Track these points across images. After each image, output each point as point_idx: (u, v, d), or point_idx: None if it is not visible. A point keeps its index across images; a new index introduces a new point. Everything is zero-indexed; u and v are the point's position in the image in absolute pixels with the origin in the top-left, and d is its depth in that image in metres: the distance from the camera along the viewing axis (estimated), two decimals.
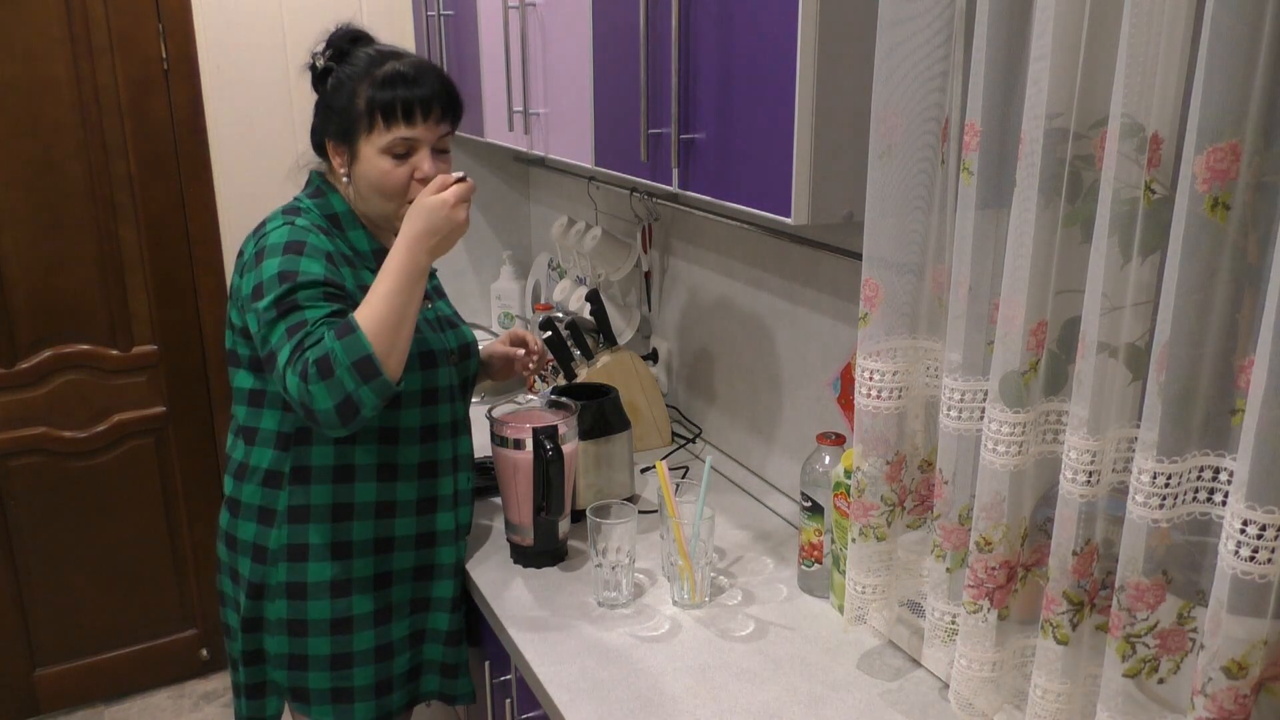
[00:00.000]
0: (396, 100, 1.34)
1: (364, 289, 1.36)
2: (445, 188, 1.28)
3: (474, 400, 2.27)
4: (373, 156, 1.36)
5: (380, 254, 1.42)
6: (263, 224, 1.40)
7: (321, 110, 1.42)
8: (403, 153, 1.37)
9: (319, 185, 1.45)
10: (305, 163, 1.50)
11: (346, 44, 1.41)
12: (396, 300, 1.24)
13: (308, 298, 1.28)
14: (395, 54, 1.40)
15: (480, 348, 1.70)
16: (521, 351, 1.69)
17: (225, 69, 2.47)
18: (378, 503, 1.43)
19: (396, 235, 1.48)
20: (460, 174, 1.30)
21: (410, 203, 1.39)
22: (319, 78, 1.42)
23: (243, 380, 1.42)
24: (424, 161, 1.38)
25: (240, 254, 1.39)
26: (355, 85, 1.36)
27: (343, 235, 1.42)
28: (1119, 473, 1.00)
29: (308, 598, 1.43)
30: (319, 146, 1.45)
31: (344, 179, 1.41)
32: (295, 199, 1.45)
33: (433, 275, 1.60)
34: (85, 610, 2.64)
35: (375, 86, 1.34)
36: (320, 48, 1.42)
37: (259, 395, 1.41)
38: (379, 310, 1.23)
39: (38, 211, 2.37)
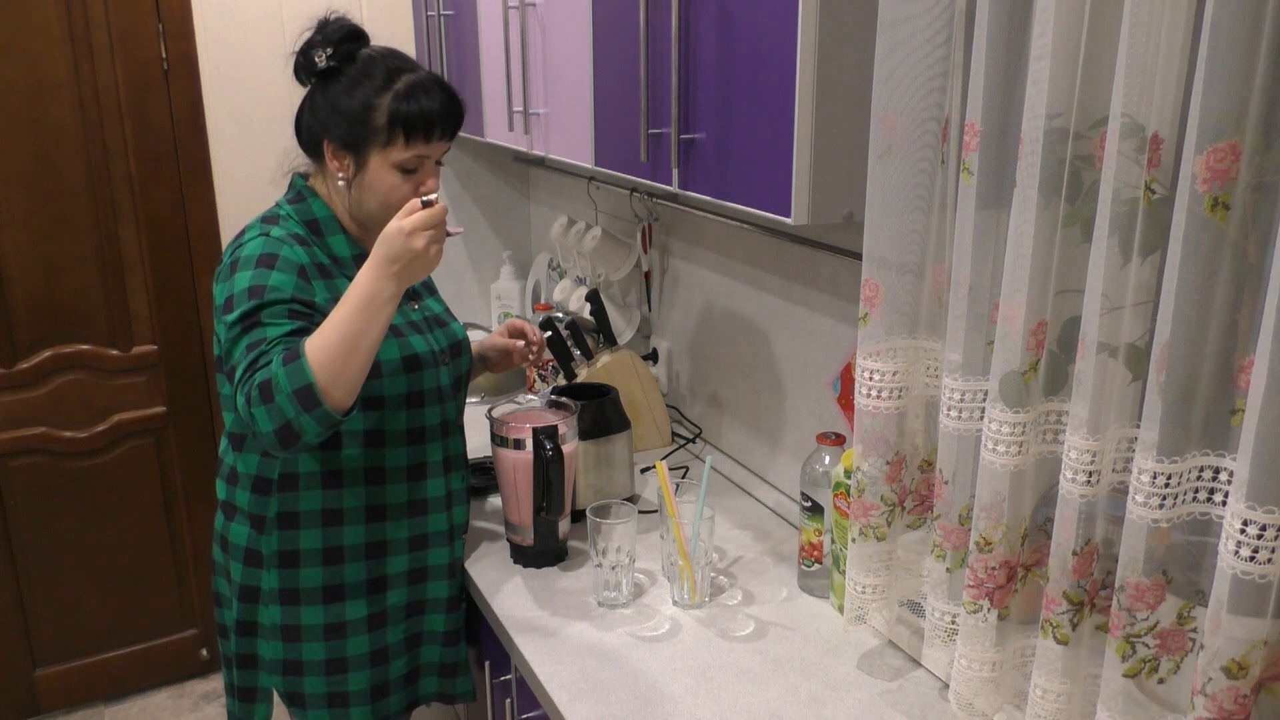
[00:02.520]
0: (420, 118, 1.33)
1: (338, 300, 1.35)
2: (411, 213, 1.23)
3: (474, 400, 2.28)
4: (383, 169, 1.35)
5: (361, 259, 1.40)
6: (241, 233, 1.39)
7: (324, 112, 1.37)
8: (413, 168, 1.36)
9: (300, 190, 1.43)
10: (290, 166, 1.48)
11: (350, 43, 1.38)
12: (350, 327, 1.20)
13: (271, 315, 1.27)
14: (405, 63, 1.37)
15: (477, 340, 1.69)
16: (521, 343, 1.68)
17: (225, 69, 2.47)
18: (367, 507, 1.43)
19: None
20: (430, 196, 1.25)
21: None
22: (317, 75, 1.38)
23: (230, 387, 1.42)
24: (429, 177, 1.38)
25: (221, 262, 1.38)
26: (372, 96, 1.33)
27: (322, 241, 1.40)
28: (1119, 473, 1.00)
29: (301, 603, 1.43)
30: (312, 145, 1.42)
31: (339, 183, 1.39)
32: (275, 204, 1.44)
33: None
34: (85, 610, 2.64)
35: (398, 100, 1.32)
36: (312, 37, 1.37)
37: None
38: (329, 338, 1.19)
39: (38, 211, 2.37)
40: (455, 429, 1.53)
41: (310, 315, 1.30)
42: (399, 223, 1.21)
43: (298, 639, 1.44)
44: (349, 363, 1.20)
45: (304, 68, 1.39)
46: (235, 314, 1.27)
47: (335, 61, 1.36)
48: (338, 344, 1.19)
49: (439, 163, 1.41)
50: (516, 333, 1.70)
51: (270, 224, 1.38)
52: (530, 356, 1.69)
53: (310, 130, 1.41)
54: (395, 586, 1.48)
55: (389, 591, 1.47)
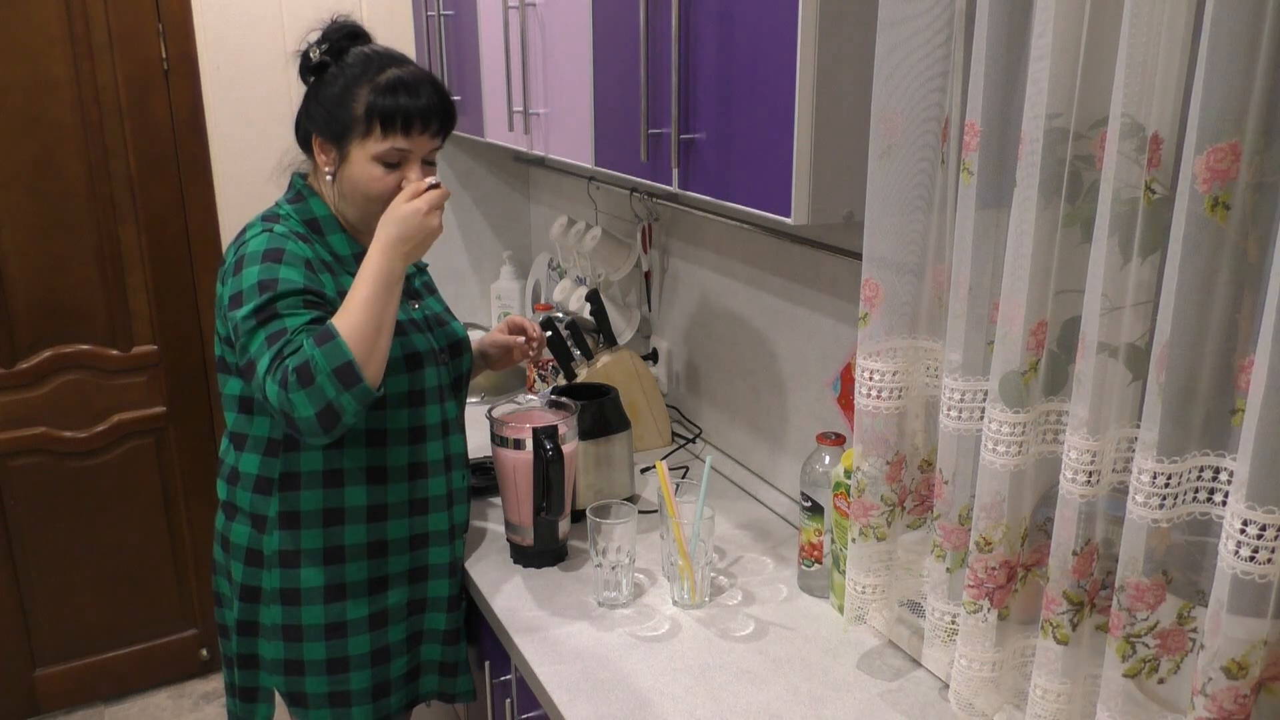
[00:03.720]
0: (397, 110, 1.33)
1: (344, 295, 1.34)
2: (419, 194, 1.28)
3: (474, 400, 2.28)
4: (363, 162, 1.35)
5: (360, 257, 1.40)
6: (243, 231, 1.39)
7: (313, 106, 1.39)
8: (394, 162, 1.35)
9: (299, 189, 1.43)
10: (289, 163, 1.48)
11: (345, 40, 1.38)
12: (374, 306, 1.24)
13: (287, 306, 1.27)
14: (395, 59, 1.38)
15: (477, 338, 1.69)
16: (521, 339, 1.68)
17: (225, 69, 2.47)
18: (368, 506, 1.43)
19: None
20: (434, 179, 1.31)
21: None
22: (313, 71, 1.39)
23: (232, 387, 1.42)
24: (412, 172, 1.37)
25: (223, 262, 1.38)
26: (354, 88, 1.34)
27: (322, 240, 1.40)
28: (1119, 473, 1.00)
29: (301, 603, 1.43)
30: (304, 140, 1.43)
31: (327, 177, 1.40)
32: (275, 204, 1.44)
33: (421, 272, 1.60)
34: (85, 610, 2.64)
35: (376, 93, 1.33)
36: (315, 38, 1.39)
37: (248, 402, 1.40)
38: (357, 317, 1.23)
39: (38, 211, 2.37)
40: (456, 428, 1.53)
41: (323, 305, 1.31)
42: (413, 204, 1.26)
43: (299, 639, 1.44)
44: (378, 338, 1.24)
45: (303, 65, 1.40)
46: (248, 308, 1.27)
47: (328, 56, 1.37)
48: (367, 321, 1.23)
49: (430, 162, 1.40)
50: (516, 329, 1.69)
51: (271, 222, 1.38)
52: (530, 353, 1.69)
53: (302, 124, 1.42)
54: (396, 586, 1.48)
55: (389, 591, 1.47)
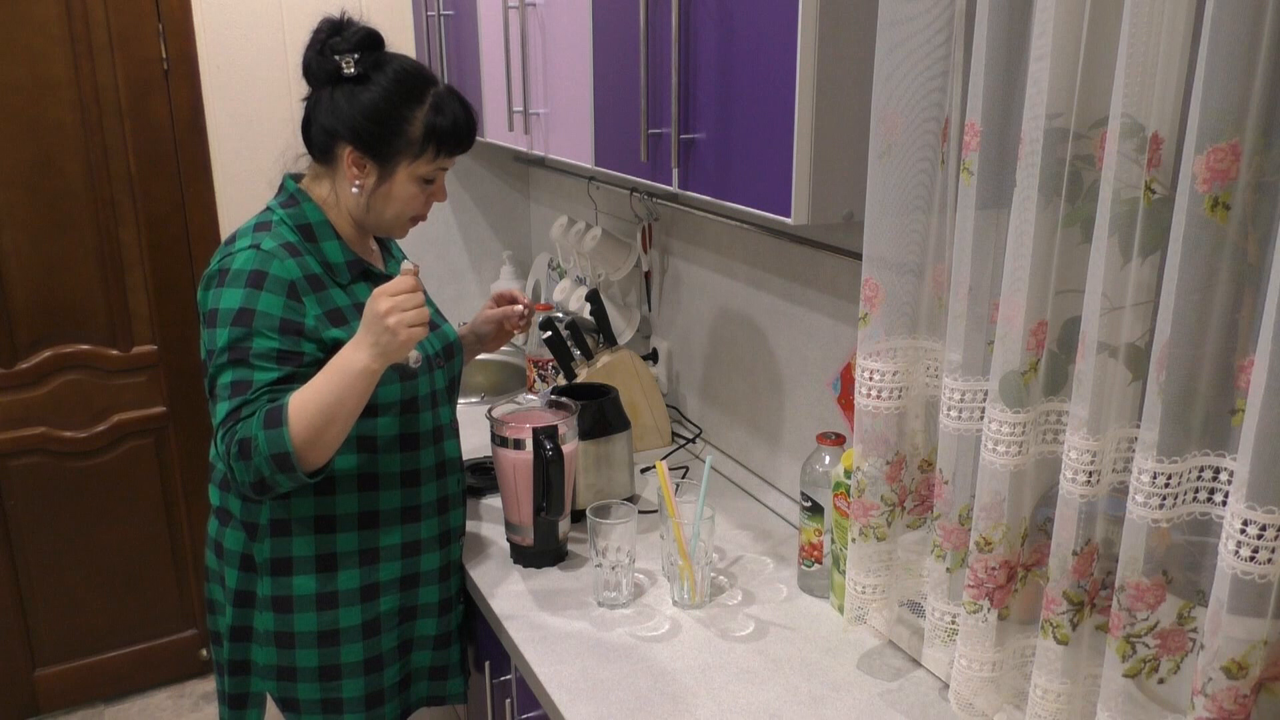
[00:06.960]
0: (453, 133, 1.36)
1: (330, 314, 1.34)
2: (397, 293, 1.22)
3: (474, 400, 2.28)
4: (408, 181, 1.36)
5: (354, 265, 1.40)
6: (233, 239, 1.37)
7: (353, 118, 1.33)
8: (433, 179, 1.39)
9: (293, 193, 1.40)
10: (289, 166, 1.46)
11: (375, 50, 1.35)
12: (328, 397, 1.22)
13: (260, 356, 1.27)
14: (431, 75, 1.38)
15: (465, 325, 1.69)
16: (516, 308, 1.68)
17: (225, 69, 2.47)
18: (360, 513, 1.42)
19: (378, 243, 1.48)
20: (410, 267, 1.25)
21: (414, 219, 1.43)
22: (339, 80, 1.34)
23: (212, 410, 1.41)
24: (440, 190, 1.42)
25: (210, 264, 1.36)
26: (405, 109, 1.33)
27: (315, 247, 1.37)
28: (1119, 473, 1.00)
29: (294, 610, 1.42)
30: (326, 150, 1.37)
31: (353, 189, 1.37)
32: (268, 207, 1.41)
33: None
34: (85, 610, 2.64)
35: (434, 114, 1.34)
36: (337, 43, 1.33)
37: None
38: (309, 408, 1.22)
39: (38, 211, 2.37)
40: (450, 433, 1.52)
41: (299, 356, 1.30)
42: (375, 306, 1.21)
43: (291, 645, 1.43)
44: (326, 431, 1.23)
45: (323, 69, 1.34)
46: (223, 341, 1.27)
47: (362, 69, 1.33)
48: (316, 414, 1.22)
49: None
50: (506, 299, 1.70)
51: (263, 232, 1.35)
52: (522, 322, 1.69)
53: (328, 133, 1.36)
54: (387, 593, 1.47)
55: (381, 598, 1.46)
